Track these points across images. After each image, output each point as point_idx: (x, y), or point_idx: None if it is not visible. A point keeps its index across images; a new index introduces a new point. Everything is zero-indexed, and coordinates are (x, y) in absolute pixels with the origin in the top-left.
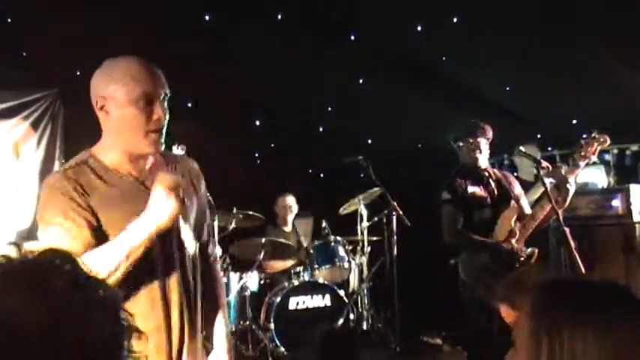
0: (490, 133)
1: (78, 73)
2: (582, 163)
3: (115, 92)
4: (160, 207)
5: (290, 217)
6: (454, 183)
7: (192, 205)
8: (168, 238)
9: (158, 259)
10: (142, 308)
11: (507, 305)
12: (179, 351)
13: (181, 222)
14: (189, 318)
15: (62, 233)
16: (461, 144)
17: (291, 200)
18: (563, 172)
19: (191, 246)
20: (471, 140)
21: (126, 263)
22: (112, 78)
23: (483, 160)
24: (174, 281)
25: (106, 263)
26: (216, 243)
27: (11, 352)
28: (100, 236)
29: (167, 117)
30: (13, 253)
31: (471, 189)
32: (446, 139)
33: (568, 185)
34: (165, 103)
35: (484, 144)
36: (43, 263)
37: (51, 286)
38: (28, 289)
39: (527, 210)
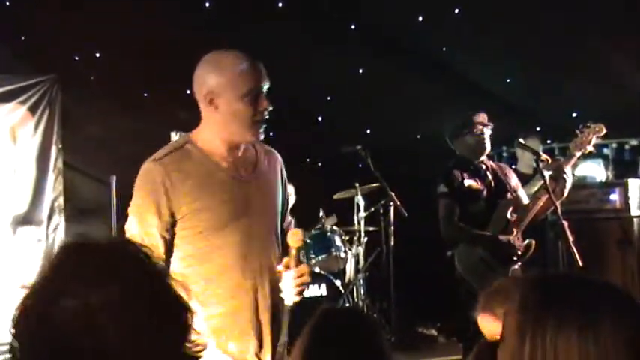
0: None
1: (76, 58)
2: (578, 153)
3: (225, 88)
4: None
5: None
6: (451, 176)
7: (277, 193)
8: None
9: (247, 242)
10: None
11: (489, 315)
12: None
13: None
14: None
15: (137, 218)
16: (464, 137)
17: (289, 189)
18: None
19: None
20: (477, 131)
21: None
22: (222, 74)
23: (487, 150)
24: (257, 263)
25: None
26: None
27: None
28: (173, 225)
29: (270, 107)
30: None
31: (467, 182)
32: (444, 132)
33: (565, 176)
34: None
35: (487, 134)
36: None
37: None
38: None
39: (525, 202)
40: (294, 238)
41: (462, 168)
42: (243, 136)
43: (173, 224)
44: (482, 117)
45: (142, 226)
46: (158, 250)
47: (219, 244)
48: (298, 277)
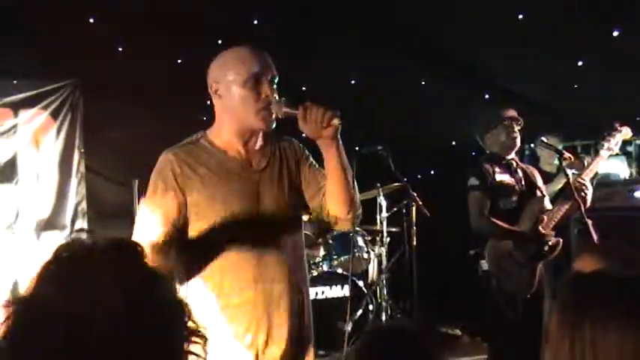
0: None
1: (97, 64)
2: (606, 154)
3: (226, 76)
4: None
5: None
6: (482, 169)
7: (292, 184)
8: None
9: (253, 233)
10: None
11: None
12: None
13: None
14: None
15: (149, 205)
16: (493, 132)
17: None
18: (582, 167)
19: None
20: (508, 126)
21: None
22: (223, 64)
23: (517, 145)
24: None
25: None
26: None
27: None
28: (184, 210)
29: (276, 97)
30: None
31: (498, 177)
32: (470, 130)
33: (585, 189)
34: (274, 85)
35: (517, 129)
36: (121, 253)
37: (129, 279)
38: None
39: (547, 202)
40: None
41: (493, 163)
42: (249, 122)
43: (185, 203)
44: (512, 112)
45: (152, 202)
46: (171, 214)
47: (233, 236)
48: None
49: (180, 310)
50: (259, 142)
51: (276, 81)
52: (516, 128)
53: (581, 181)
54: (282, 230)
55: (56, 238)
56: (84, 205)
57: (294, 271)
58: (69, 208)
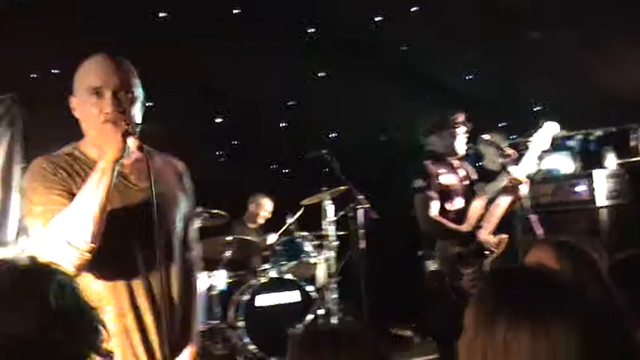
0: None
1: (33, 76)
2: (534, 150)
3: (76, 89)
4: (110, 140)
5: (260, 220)
6: (427, 170)
7: (174, 198)
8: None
9: (137, 253)
10: (121, 302)
11: None
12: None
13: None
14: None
15: (47, 209)
16: (440, 134)
17: (268, 205)
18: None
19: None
20: (451, 131)
21: (89, 215)
22: (75, 76)
23: (462, 150)
24: (153, 277)
25: (71, 221)
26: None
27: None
28: None
29: (126, 110)
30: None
31: (443, 178)
32: (414, 131)
33: (520, 186)
34: (131, 96)
35: (463, 134)
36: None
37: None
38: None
39: (485, 199)
40: None
41: (437, 164)
42: (97, 139)
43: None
44: (460, 117)
45: (46, 209)
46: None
47: (114, 253)
48: None
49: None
50: (133, 158)
51: (128, 94)
52: (463, 133)
53: (515, 177)
54: (167, 251)
55: (0, 256)
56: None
57: (175, 292)
58: (11, 224)
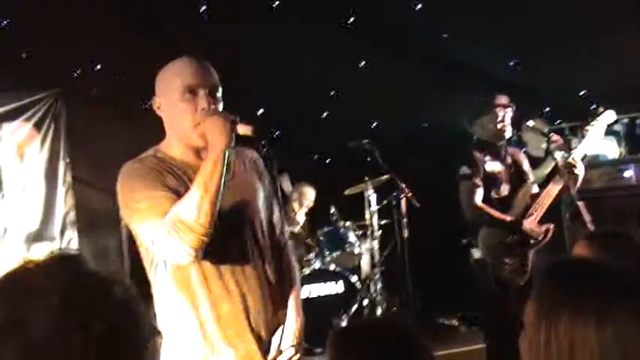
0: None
1: (78, 72)
2: (591, 138)
3: (164, 90)
4: (218, 130)
5: (302, 210)
6: (473, 158)
7: (257, 190)
8: (241, 226)
9: (232, 247)
10: (216, 294)
11: None
12: (259, 336)
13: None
14: (264, 303)
15: (153, 204)
16: (485, 119)
17: (311, 194)
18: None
19: None
20: (499, 113)
21: (207, 198)
22: (162, 78)
23: (508, 133)
24: (248, 268)
25: (191, 205)
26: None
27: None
28: None
29: (217, 108)
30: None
31: (489, 165)
32: (457, 118)
33: (576, 170)
34: (219, 96)
35: (509, 116)
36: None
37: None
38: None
39: (535, 187)
40: None
41: (483, 151)
42: (191, 138)
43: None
44: (503, 99)
45: (153, 204)
46: (172, 197)
47: (220, 239)
48: None
49: (139, 310)
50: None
51: (217, 93)
52: (508, 116)
53: (572, 161)
54: (250, 243)
55: (46, 250)
56: (72, 215)
57: (265, 285)
58: (57, 218)
